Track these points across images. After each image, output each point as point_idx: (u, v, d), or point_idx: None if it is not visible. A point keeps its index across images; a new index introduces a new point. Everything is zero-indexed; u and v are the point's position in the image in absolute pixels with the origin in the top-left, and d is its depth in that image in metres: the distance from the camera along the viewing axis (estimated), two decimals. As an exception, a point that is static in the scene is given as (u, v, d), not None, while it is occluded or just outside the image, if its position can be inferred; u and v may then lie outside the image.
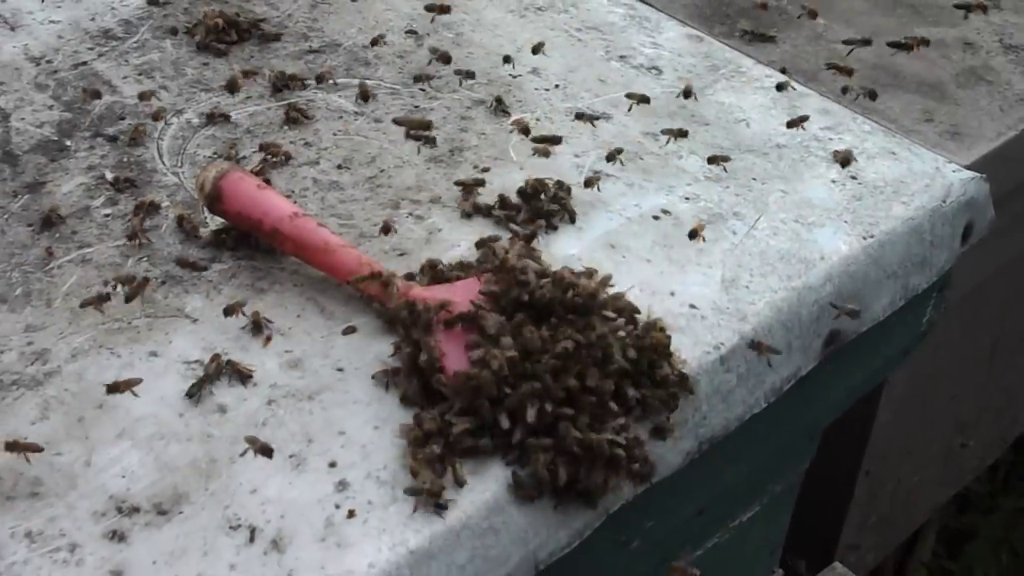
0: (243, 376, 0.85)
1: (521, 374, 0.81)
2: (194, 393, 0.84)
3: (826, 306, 0.97)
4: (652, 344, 0.85)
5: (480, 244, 0.95)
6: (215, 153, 1.06)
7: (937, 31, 1.38)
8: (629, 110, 1.12)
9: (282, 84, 1.14)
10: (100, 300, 0.89)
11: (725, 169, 1.06)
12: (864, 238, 1.01)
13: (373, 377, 0.86)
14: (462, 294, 0.87)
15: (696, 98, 1.14)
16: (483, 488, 0.80)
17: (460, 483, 0.79)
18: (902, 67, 1.30)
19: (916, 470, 1.77)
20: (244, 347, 0.88)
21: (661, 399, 0.85)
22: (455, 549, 0.77)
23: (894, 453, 1.67)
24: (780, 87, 1.19)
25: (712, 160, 1.06)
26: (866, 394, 1.48)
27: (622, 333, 0.84)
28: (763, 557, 1.44)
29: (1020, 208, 1.39)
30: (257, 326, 0.89)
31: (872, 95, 1.22)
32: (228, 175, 0.93)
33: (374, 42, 1.20)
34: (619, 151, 1.06)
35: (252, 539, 0.76)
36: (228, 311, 0.89)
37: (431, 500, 0.78)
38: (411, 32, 1.22)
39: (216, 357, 0.85)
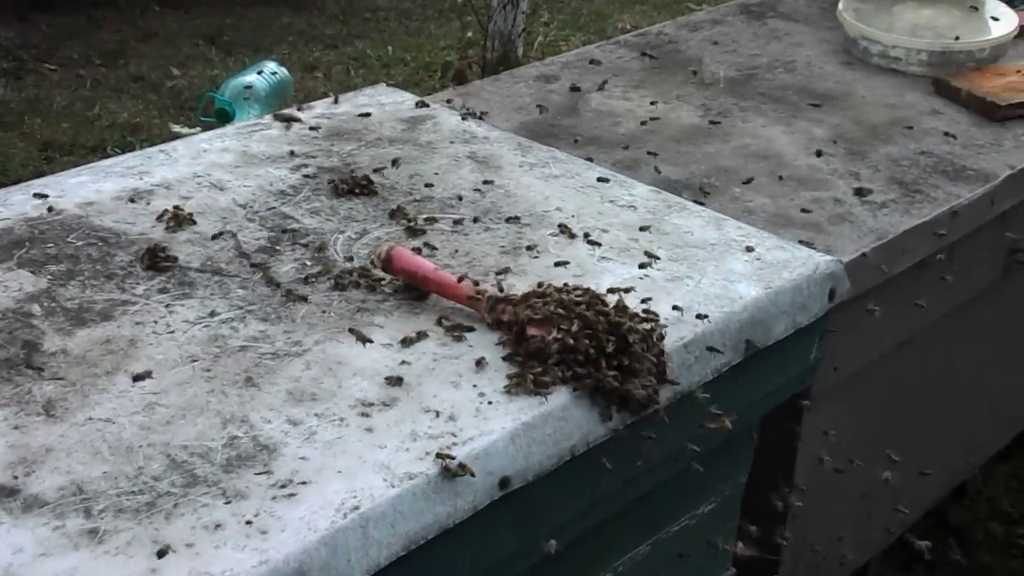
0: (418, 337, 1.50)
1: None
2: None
3: (747, 324, 1.64)
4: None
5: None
6: (368, 252, 1.72)
7: (817, 193, 2.11)
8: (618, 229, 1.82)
9: (400, 216, 1.82)
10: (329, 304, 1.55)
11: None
12: (766, 288, 1.69)
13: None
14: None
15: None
16: (562, 397, 1.44)
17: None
18: (794, 215, 2.02)
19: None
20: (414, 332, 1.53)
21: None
22: (545, 425, 1.41)
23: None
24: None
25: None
26: (784, 454, 2.12)
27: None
28: (719, 553, 2.03)
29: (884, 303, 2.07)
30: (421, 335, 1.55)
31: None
32: (395, 247, 1.60)
33: (455, 197, 1.90)
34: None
35: (438, 416, 1.39)
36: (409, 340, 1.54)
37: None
38: (477, 190, 1.92)
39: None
